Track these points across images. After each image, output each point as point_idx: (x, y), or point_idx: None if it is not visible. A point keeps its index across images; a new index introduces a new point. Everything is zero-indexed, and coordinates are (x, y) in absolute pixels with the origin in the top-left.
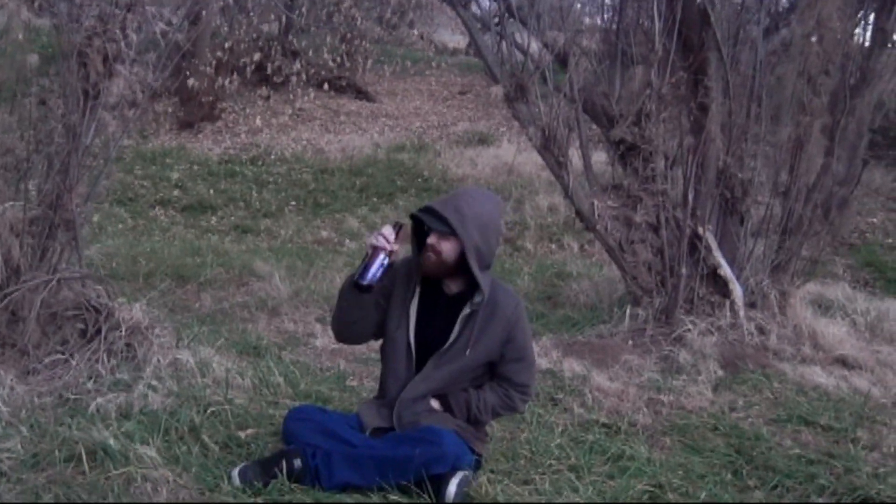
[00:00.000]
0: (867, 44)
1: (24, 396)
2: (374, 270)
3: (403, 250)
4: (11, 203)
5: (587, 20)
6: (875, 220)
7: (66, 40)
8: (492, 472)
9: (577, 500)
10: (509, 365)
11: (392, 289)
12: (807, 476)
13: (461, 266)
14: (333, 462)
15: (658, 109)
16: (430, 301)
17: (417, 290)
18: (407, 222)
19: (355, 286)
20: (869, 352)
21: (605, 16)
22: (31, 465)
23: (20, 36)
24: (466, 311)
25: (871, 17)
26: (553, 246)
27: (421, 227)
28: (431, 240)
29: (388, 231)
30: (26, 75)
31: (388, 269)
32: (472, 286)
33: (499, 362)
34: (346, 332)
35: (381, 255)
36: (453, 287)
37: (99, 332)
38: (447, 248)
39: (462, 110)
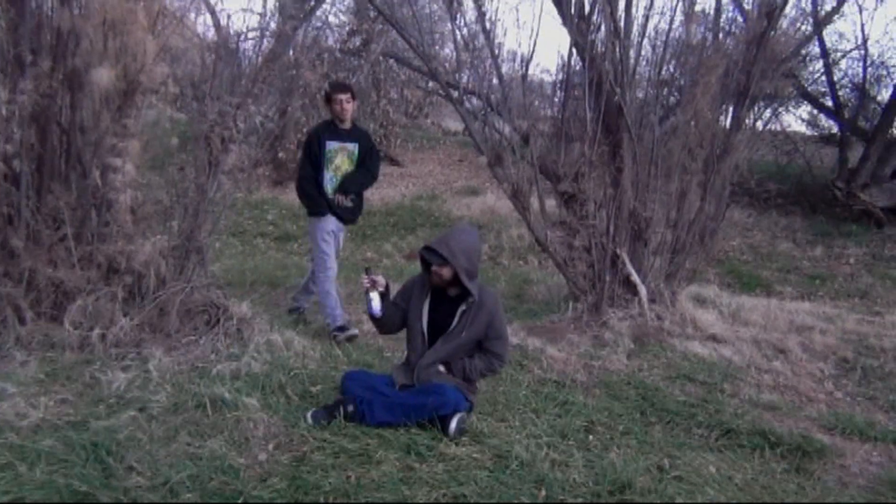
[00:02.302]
0: (728, 126)
1: (168, 365)
2: (374, 305)
3: (411, 272)
4: (160, 236)
5: (542, 112)
6: (734, 243)
7: (197, 128)
8: (480, 413)
9: (536, 430)
10: (491, 341)
11: (411, 295)
12: (690, 415)
13: (457, 279)
14: (375, 407)
15: (589, 171)
16: (439, 301)
17: (429, 295)
18: (370, 265)
19: (371, 318)
20: (731, 331)
21: (554, 109)
22: (172, 411)
23: (167, 125)
24: (463, 307)
25: (731, 108)
26: (521, 262)
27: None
28: (435, 268)
29: (364, 278)
30: (170, 151)
31: (384, 295)
32: (466, 291)
33: (484, 339)
34: (384, 330)
35: (369, 295)
36: (453, 292)
37: (219, 321)
38: (446, 272)
39: (460, 172)
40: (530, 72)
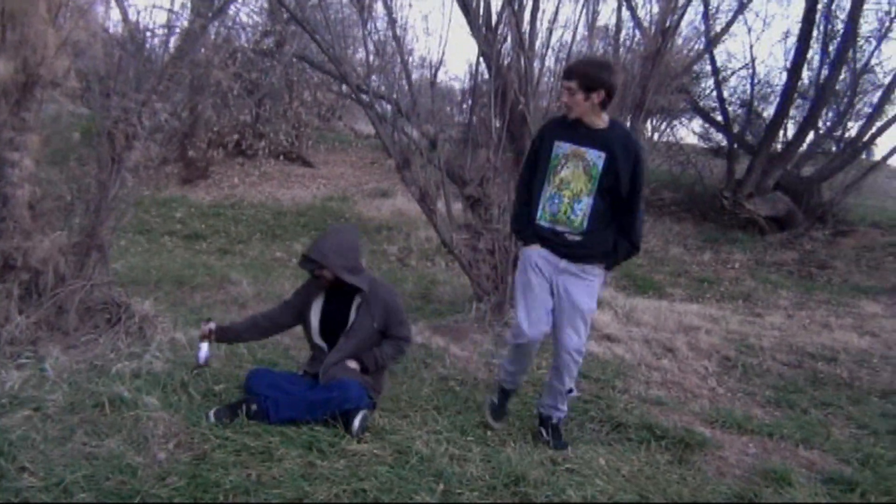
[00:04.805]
0: None
1: (66, 364)
2: (200, 354)
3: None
4: (60, 232)
5: (451, 118)
6: None
7: (100, 124)
8: (382, 410)
9: (437, 427)
10: (394, 327)
11: (308, 294)
12: (583, 410)
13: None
14: (279, 405)
15: (494, 176)
16: (334, 297)
17: (324, 292)
18: (208, 317)
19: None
20: (624, 331)
21: (463, 115)
22: (69, 410)
23: (69, 120)
24: (358, 300)
25: (629, 120)
26: (429, 263)
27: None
28: (317, 272)
29: (204, 326)
30: (71, 146)
31: (210, 341)
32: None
33: (388, 328)
34: (253, 337)
35: (200, 343)
36: (346, 288)
37: (120, 319)
38: (327, 274)
39: (371, 174)
40: (440, 78)
